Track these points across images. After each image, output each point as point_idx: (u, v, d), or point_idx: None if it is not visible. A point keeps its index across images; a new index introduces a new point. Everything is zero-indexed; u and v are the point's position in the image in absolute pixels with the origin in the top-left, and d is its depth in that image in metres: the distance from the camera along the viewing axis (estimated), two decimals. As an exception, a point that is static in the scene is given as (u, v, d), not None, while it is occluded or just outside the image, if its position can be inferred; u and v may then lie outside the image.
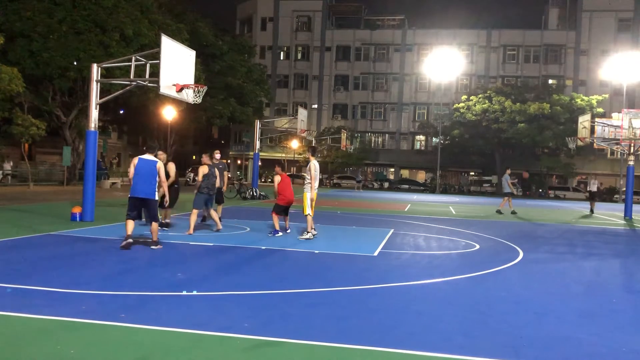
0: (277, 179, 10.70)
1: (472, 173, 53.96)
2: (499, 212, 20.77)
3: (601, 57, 50.03)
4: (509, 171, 21.15)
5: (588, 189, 25.01)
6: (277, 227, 10.63)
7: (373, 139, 56.50)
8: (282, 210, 10.78)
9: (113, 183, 30.43)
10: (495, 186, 48.99)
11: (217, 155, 11.57)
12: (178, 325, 4.48)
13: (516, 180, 21.89)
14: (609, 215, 23.12)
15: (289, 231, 11.01)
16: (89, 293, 5.48)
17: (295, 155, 49.96)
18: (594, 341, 4.63)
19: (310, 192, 10.28)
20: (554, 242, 12.01)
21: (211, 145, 68.15)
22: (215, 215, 10.89)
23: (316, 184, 10.41)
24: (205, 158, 10.73)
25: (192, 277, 6.46)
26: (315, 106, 56.03)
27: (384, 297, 5.93)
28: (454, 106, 47.60)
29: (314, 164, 10.34)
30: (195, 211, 10.49)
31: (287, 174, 44.96)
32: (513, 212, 20.32)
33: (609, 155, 28.65)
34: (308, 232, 10.29)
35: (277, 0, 56.84)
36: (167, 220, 11.18)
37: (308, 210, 10.23)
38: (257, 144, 25.41)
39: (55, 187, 27.79)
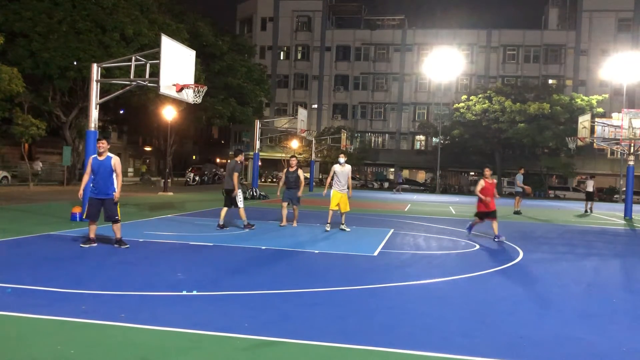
0: (482, 183, 11.61)
1: (472, 173, 53.92)
2: (518, 212, 20.61)
3: (601, 57, 50.01)
4: (522, 171, 21.20)
5: (585, 190, 25.19)
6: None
7: (373, 139, 56.47)
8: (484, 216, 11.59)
9: (113, 183, 30.35)
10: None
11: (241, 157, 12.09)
12: (178, 325, 4.48)
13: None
14: (609, 215, 23.13)
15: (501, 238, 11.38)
16: (89, 293, 5.48)
17: (295, 156, 49.95)
18: (594, 341, 4.63)
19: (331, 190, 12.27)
20: (554, 242, 12.01)
21: (211, 145, 68.18)
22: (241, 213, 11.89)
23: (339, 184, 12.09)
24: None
25: (192, 277, 6.46)
26: (315, 106, 56.01)
27: (384, 297, 5.93)
28: (454, 106, 47.57)
29: (334, 168, 12.23)
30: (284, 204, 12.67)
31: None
32: (518, 212, 20.47)
33: (609, 155, 28.65)
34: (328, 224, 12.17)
35: (277, 0, 56.82)
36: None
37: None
38: (257, 144, 25.40)
39: (55, 187, 27.79)
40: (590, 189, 23.70)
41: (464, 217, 18.33)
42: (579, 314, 5.59)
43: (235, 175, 11.45)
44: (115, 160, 8.38)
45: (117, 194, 8.33)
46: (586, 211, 23.70)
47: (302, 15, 57.02)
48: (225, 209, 11.60)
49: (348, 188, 12.08)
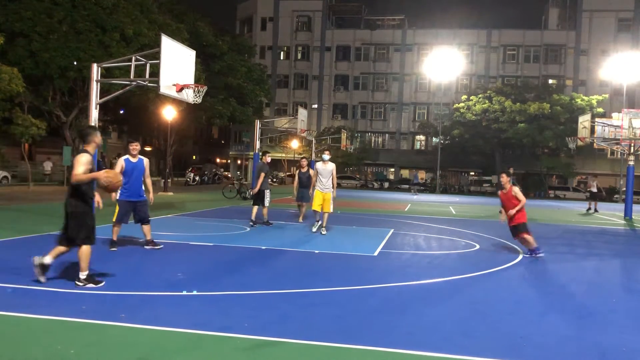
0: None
1: (472, 173, 53.93)
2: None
3: (601, 57, 49.98)
4: (511, 170, 21.29)
5: (588, 189, 25.86)
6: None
7: (373, 139, 56.47)
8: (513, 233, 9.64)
9: (113, 183, 30.38)
10: (495, 186, 49.00)
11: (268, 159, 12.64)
12: (178, 325, 4.48)
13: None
14: (609, 215, 23.14)
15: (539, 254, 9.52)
16: (89, 293, 5.48)
17: (295, 156, 49.96)
18: (594, 341, 4.63)
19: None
20: (554, 242, 12.01)
21: (211, 145, 68.16)
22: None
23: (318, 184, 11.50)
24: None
25: (192, 277, 6.46)
26: (315, 106, 56.00)
27: (384, 297, 5.93)
28: (454, 106, 47.56)
29: (316, 165, 11.65)
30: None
31: (287, 174, 44.30)
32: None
33: (609, 155, 28.69)
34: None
35: (277, 0, 56.82)
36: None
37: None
38: (257, 144, 25.38)
39: (55, 187, 27.78)
40: (594, 189, 24.25)
41: (464, 218, 18.34)
42: (579, 314, 5.59)
43: (262, 175, 12.15)
44: (146, 162, 8.40)
45: (151, 195, 8.42)
46: (589, 209, 24.28)
47: (302, 15, 57.01)
48: (255, 207, 12.27)
49: (333, 187, 11.31)
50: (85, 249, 5.74)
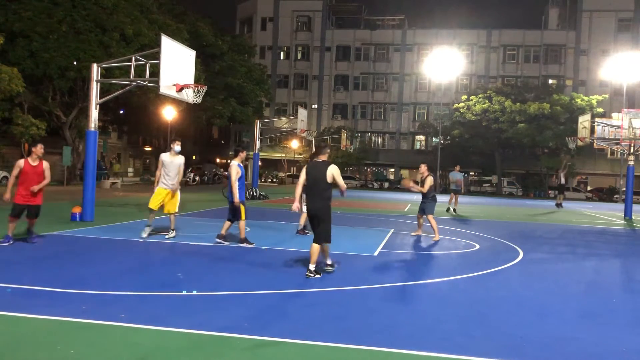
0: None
1: (472, 173, 53.92)
2: (454, 210, 20.49)
3: (601, 57, 49.98)
4: (458, 168, 21.33)
5: (558, 182, 26.48)
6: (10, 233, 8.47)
7: (373, 139, 56.46)
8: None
9: (113, 183, 30.46)
10: (495, 186, 49.02)
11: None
12: (178, 325, 4.48)
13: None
14: (609, 215, 23.13)
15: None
16: (89, 293, 5.48)
17: (295, 155, 50.00)
18: (594, 341, 4.63)
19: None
20: (554, 242, 12.01)
21: (211, 145, 68.14)
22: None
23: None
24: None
25: (192, 277, 6.46)
26: (315, 106, 56.00)
27: (384, 297, 5.93)
28: (454, 106, 47.56)
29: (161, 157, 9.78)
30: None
31: (287, 174, 43.64)
32: (450, 210, 20.35)
33: (609, 155, 28.71)
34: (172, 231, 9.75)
35: (277, 0, 56.83)
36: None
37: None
38: (257, 144, 25.40)
39: (55, 187, 27.77)
40: (562, 181, 25.15)
41: (464, 218, 18.34)
42: (579, 314, 5.60)
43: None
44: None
45: (235, 197, 9.00)
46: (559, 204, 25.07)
47: (302, 15, 57.01)
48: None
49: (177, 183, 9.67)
50: (326, 246, 6.90)
